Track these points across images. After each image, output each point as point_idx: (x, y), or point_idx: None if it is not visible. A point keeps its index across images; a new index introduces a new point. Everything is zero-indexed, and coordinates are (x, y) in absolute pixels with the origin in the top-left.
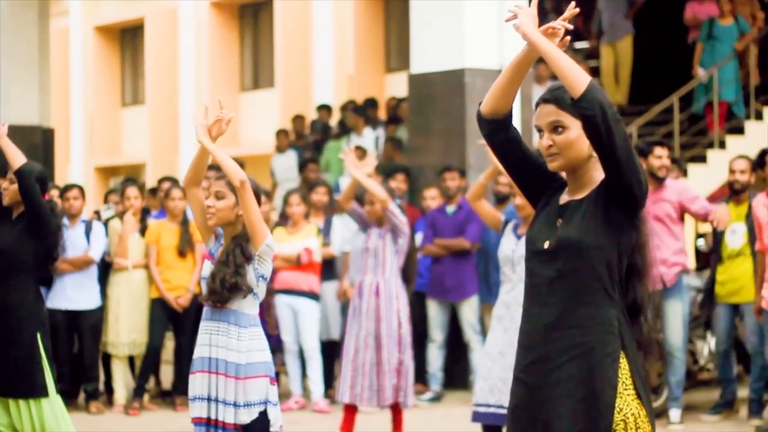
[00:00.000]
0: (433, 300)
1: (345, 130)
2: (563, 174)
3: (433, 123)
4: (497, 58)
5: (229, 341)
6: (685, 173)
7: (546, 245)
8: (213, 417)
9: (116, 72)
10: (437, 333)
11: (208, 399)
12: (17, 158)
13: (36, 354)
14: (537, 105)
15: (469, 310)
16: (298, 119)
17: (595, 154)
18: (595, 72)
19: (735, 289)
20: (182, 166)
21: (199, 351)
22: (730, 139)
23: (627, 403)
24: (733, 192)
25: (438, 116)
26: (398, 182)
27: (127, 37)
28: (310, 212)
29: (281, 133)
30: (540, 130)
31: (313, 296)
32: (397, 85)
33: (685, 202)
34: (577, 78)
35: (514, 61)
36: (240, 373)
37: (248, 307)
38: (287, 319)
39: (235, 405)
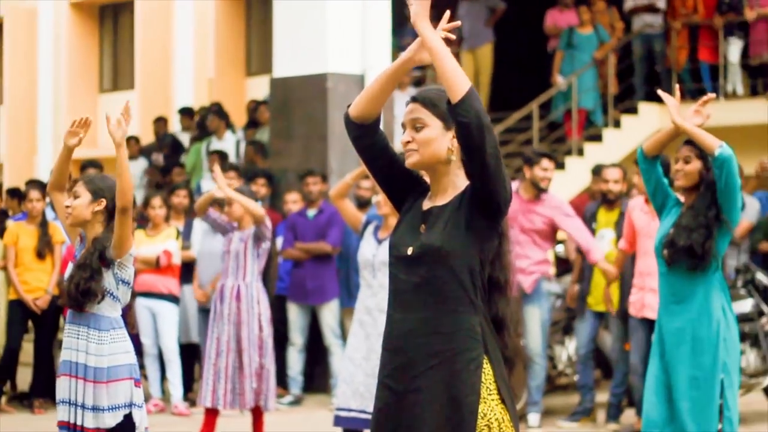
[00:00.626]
0: (294, 303)
1: (205, 133)
2: (427, 179)
3: (295, 127)
4: (360, 63)
5: (89, 345)
6: None
7: (409, 251)
8: (73, 421)
9: None
10: (297, 336)
11: (70, 403)
12: None
13: None
14: (407, 104)
15: (329, 314)
16: (159, 121)
17: (455, 159)
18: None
19: (601, 297)
20: (40, 167)
21: (64, 354)
22: (589, 147)
23: (491, 408)
24: (606, 201)
25: (300, 120)
26: (259, 186)
27: None
28: (170, 215)
29: (131, 140)
30: (404, 127)
31: (173, 299)
32: (258, 89)
33: (558, 221)
34: (459, 83)
35: (390, 67)
36: (103, 377)
37: (108, 310)
38: (146, 321)
39: (99, 409)
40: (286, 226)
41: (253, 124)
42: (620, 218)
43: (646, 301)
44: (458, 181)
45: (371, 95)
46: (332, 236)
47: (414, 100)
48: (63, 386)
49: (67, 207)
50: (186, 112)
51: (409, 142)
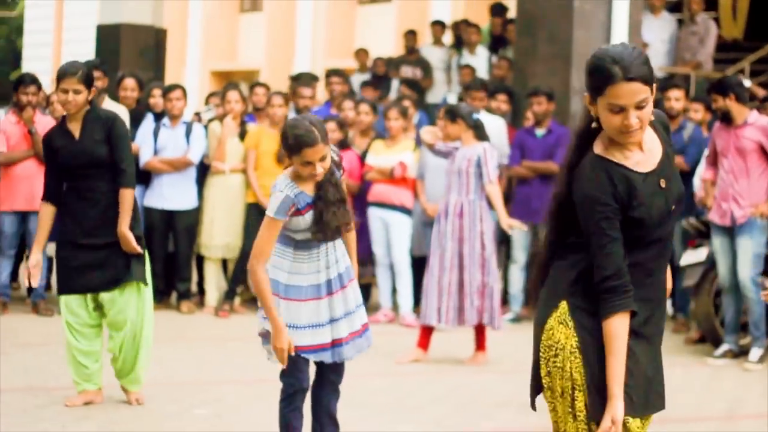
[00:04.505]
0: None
1: (459, 45)
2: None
3: (540, 45)
4: None
5: (336, 255)
6: None
7: (669, 207)
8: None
9: None
10: (520, 254)
11: (332, 321)
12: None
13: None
14: (608, 82)
15: None
16: (410, 34)
17: None
18: (712, 4)
19: None
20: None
21: (315, 278)
22: None
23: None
24: None
25: (545, 39)
26: (500, 102)
27: None
28: (408, 127)
29: (360, 52)
30: (619, 109)
31: (406, 211)
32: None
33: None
34: None
35: None
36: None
37: None
38: (379, 232)
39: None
40: (514, 143)
41: (501, 41)
42: None
43: None
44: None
45: None
46: (560, 156)
47: (631, 79)
48: (323, 308)
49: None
50: (439, 25)
51: (636, 122)
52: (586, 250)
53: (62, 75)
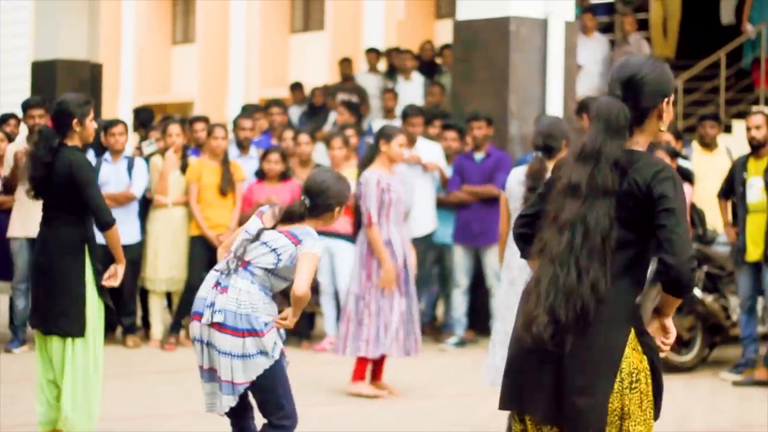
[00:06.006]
0: (459, 245)
1: (393, 73)
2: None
3: (477, 70)
4: (542, 7)
5: None
6: (728, 129)
7: None
8: None
9: (167, 10)
10: (462, 278)
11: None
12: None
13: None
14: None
15: (493, 257)
16: (345, 62)
17: None
18: (644, 24)
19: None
20: (231, 106)
21: None
22: None
23: None
24: (752, 148)
25: (481, 64)
26: (434, 128)
27: None
28: (351, 155)
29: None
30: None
31: (349, 239)
32: (447, 31)
33: None
34: None
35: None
36: None
37: None
38: (324, 261)
39: None
40: (454, 168)
41: (435, 67)
42: None
43: None
44: None
45: None
46: (500, 180)
47: None
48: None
49: None
50: (373, 52)
51: None
52: (641, 265)
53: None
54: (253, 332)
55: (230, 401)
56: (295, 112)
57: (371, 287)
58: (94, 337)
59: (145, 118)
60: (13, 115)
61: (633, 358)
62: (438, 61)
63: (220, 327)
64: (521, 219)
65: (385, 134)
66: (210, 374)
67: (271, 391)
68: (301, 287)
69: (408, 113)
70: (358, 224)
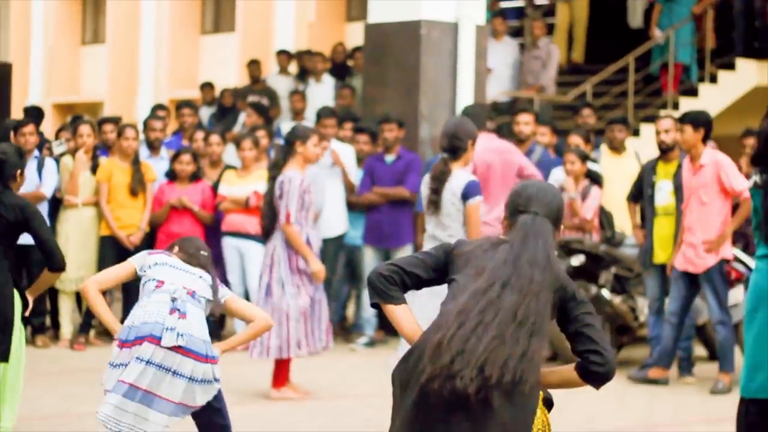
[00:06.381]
0: (369, 247)
1: (304, 75)
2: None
3: (388, 74)
4: (453, 11)
5: None
6: (636, 133)
7: None
8: None
9: (77, 10)
10: None
11: None
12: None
13: None
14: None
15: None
16: (253, 64)
17: None
18: (550, 29)
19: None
20: (140, 107)
21: None
22: (684, 101)
23: None
24: (661, 151)
25: (393, 67)
26: (346, 130)
27: None
28: (261, 156)
29: (206, 87)
30: None
31: (260, 239)
32: (358, 34)
33: None
34: None
35: None
36: None
37: None
38: (234, 261)
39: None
40: (364, 170)
41: (347, 69)
42: (678, 170)
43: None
44: None
45: None
46: (411, 182)
47: None
48: None
49: None
50: (284, 54)
51: None
52: None
53: None
54: (212, 359)
55: (165, 422)
56: (205, 113)
57: (284, 286)
58: (18, 341)
59: (35, 116)
60: None
61: (542, 417)
62: (349, 63)
63: (184, 351)
64: (401, 272)
65: (299, 135)
66: (144, 396)
67: (216, 413)
68: None
69: (321, 115)
70: (266, 225)
